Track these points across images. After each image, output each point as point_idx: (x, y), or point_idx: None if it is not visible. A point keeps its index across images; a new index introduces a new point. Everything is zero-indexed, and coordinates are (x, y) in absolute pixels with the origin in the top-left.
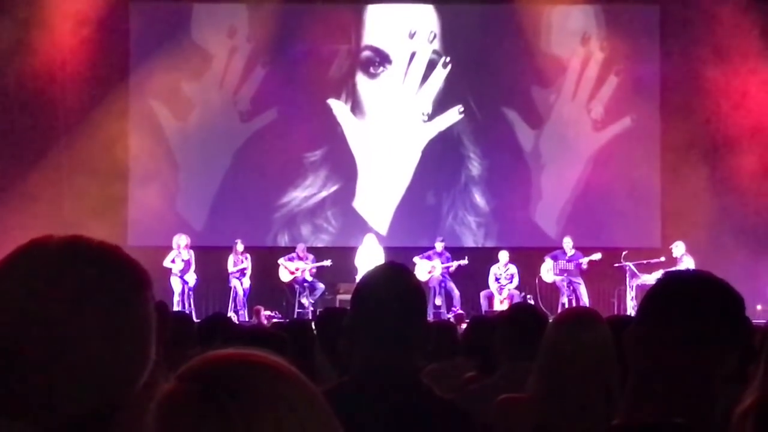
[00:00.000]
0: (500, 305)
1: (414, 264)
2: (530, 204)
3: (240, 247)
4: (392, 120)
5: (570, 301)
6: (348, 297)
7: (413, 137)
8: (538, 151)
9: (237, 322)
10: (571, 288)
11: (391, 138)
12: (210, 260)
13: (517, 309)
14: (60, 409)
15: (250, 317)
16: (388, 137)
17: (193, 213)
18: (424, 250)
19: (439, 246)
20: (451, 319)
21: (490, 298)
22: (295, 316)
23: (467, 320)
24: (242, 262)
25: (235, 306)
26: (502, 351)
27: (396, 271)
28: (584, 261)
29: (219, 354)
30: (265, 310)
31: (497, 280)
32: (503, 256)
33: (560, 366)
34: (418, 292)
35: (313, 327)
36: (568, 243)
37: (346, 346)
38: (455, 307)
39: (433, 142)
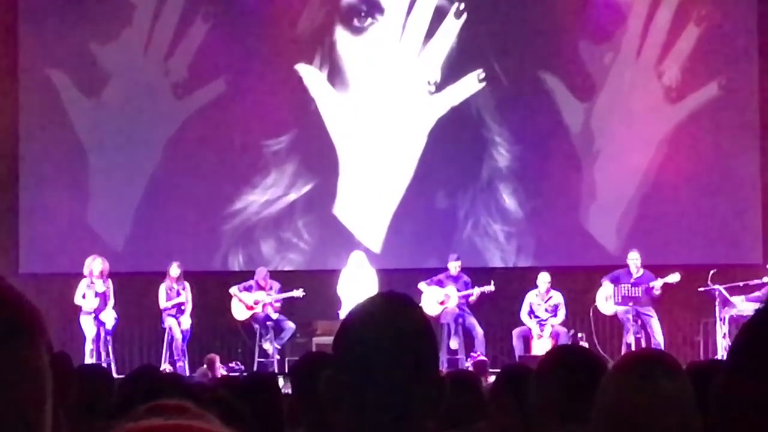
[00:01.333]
0: (541, 348)
1: (420, 293)
2: (580, 207)
3: (175, 271)
4: (386, 92)
5: (638, 340)
6: (328, 340)
7: (416, 116)
8: (590, 133)
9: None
10: (639, 322)
11: (385, 117)
12: (135, 292)
13: (561, 353)
14: None
15: (191, 370)
16: (380, 116)
17: (110, 227)
18: (433, 274)
19: (453, 267)
20: (470, 368)
21: (527, 339)
22: (255, 367)
23: (495, 370)
24: (179, 293)
25: (171, 355)
26: (542, 413)
27: (395, 304)
28: (657, 284)
29: (145, 427)
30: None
31: (535, 313)
32: (543, 279)
33: None
34: (426, 332)
35: (282, 383)
36: (634, 260)
37: (328, 409)
38: (476, 351)
39: (444, 123)
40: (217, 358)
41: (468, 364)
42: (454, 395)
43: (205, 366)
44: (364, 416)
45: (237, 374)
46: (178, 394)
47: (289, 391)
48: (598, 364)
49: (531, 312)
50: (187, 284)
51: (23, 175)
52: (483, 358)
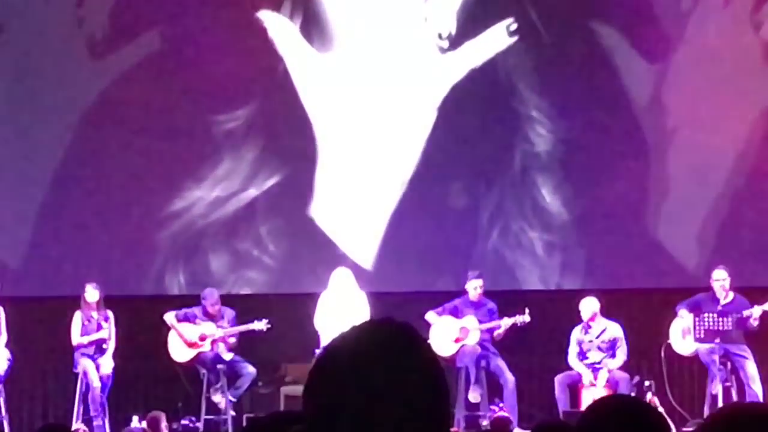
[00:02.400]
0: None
1: (428, 326)
2: (647, 208)
3: (92, 296)
4: (382, 50)
5: (727, 390)
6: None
7: (423, 83)
8: (662, 106)
9: None
10: (729, 365)
11: (381, 85)
12: (37, 324)
13: (607, 407)
14: None
15: (114, 431)
16: (374, 84)
17: (2, 237)
18: (445, 299)
19: (474, 290)
20: (486, 426)
21: (575, 389)
22: (201, 425)
23: (523, 429)
24: (99, 326)
25: (86, 410)
26: None
27: (392, 335)
28: (753, 313)
29: None
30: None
31: (585, 353)
32: (588, 306)
33: None
34: (436, 375)
35: None
36: (721, 281)
37: None
38: (499, 403)
39: (461, 92)
40: (163, 417)
41: (485, 423)
42: None
43: (144, 426)
44: None
45: None
46: None
47: None
48: (659, 423)
49: (582, 354)
50: (110, 314)
51: None
52: (504, 414)
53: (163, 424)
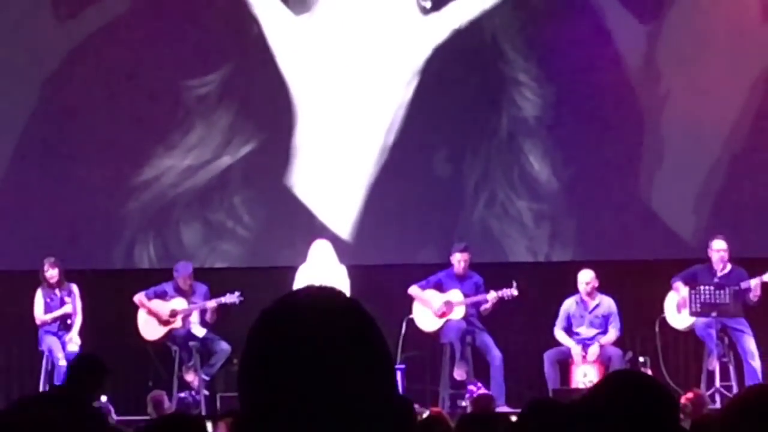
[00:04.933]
0: (585, 378)
1: (411, 299)
2: (640, 175)
3: (51, 272)
4: (361, 11)
5: (724, 366)
6: None
7: (403, 45)
8: (656, 68)
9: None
10: (726, 340)
11: (361, 48)
12: (0, 299)
13: (615, 383)
14: None
15: None
16: (353, 46)
17: None
18: (429, 272)
19: (459, 262)
20: (467, 406)
21: (565, 365)
22: (173, 405)
23: (517, 410)
24: (62, 302)
25: (51, 388)
26: None
27: (325, 300)
28: (752, 285)
29: None
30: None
31: (574, 328)
32: (584, 279)
33: None
34: (376, 341)
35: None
36: (718, 251)
37: None
38: (476, 382)
39: (445, 54)
40: (164, 396)
41: (465, 403)
42: None
43: (149, 408)
44: None
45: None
46: None
47: None
48: (669, 401)
49: (569, 327)
50: (75, 289)
51: None
52: (484, 391)
53: (167, 405)
